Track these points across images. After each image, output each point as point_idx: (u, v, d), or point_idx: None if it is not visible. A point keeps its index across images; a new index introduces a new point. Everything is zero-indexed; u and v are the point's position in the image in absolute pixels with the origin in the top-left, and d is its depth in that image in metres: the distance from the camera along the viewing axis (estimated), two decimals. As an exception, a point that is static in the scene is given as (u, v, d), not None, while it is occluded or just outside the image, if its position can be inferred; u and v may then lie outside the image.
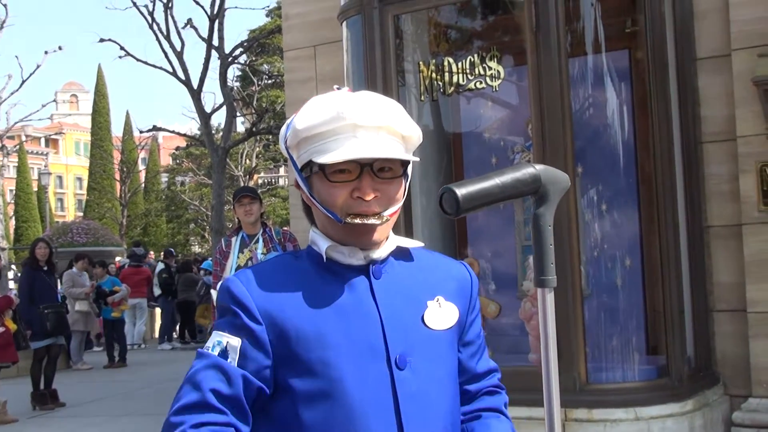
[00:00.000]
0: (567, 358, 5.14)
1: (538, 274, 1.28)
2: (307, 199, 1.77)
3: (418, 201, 6.18)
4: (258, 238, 6.37)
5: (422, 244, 1.83)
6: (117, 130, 53.30)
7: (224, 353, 1.65)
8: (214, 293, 6.35)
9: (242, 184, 33.65)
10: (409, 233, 5.87)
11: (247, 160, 36.12)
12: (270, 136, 27.99)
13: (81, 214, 55.97)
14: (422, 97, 6.22)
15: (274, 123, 23.36)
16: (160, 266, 18.00)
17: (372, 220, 1.67)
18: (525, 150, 6.09)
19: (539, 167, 1.29)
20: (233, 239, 6.48)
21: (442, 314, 1.75)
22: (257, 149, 36.57)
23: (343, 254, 1.72)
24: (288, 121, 1.78)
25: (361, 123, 1.64)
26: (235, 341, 1.65)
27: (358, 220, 1.67)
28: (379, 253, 1.73)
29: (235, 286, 1.70)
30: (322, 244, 1.72)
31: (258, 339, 1.66)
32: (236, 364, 1.64)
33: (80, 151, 75.52)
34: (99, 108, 53.05)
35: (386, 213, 1.68)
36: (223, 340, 1.66)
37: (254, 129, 22.03)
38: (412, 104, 6.34)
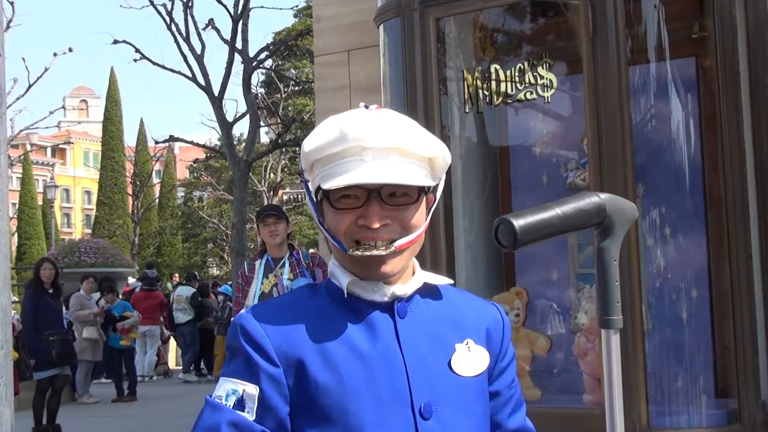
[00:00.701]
0: (627, 400, 5.07)
1: (602, 313, 1.28)
2: (318, 227, 1.79)
3: (461, 223, 6.18)
4: (284, 262, 6.40)
5: (452, 282, 1.83)
6: (130, 140, 53.92)
7: (241, 404, 1.64)
8: (234, 322, 6.39)
9: (266, 201, 33.87)
10: (450, 259, 5.87)
11: (272, 174, 36.31)
12: (297, 148, 28.14)
13: (89, 231, 56.51)
14: (466, 108, 6.22)
15: (302, 134, 23.49)
16: (189, 290, 18.04)
17: (376, 252, 1.67)
18: (579, 167, 6.07)
19: (604, 196, 1.29)
20: (257, 263, 6.52)
21: (471, 359, 1.75)
22: (282, 162, 36.77)
23: (365, 290, 1.73)
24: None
25: (369, 144, 1.65)
26: (253, 389, 1.64)
27: (359, 252, 1.67)
28: (404, 290, 1.74)
29: (249, 324, 1.69)
30: (343, 279, 1.73)
31: (277, 384, 1.65)
32: (255, 417, 1.62)
33: (89, 163, 76.29)
34: (111, 115, 53.64)
35: (397, 243, 1.68)
36: (238, 389, 1.65)
37: (280, 140, 22.13)
38: (454, 115, 6.34)
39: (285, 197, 47.62)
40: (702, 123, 5.81)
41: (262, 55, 20.90)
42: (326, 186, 1.66)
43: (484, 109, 6.27)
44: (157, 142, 26.07)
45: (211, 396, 1.68)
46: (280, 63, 28.40)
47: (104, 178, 50.75)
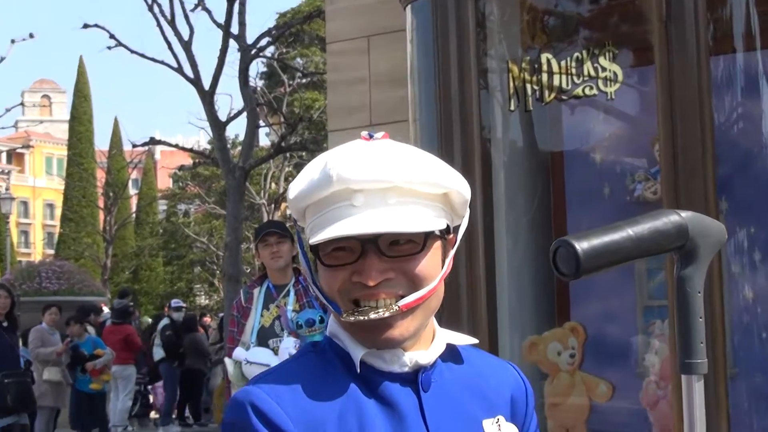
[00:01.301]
0: (705, 462, 5.08)
1: (683, 356, 1.29)
2: (311, 287, 1.82)
3: (504, 244, 6.19)
4: (288, 290, 6.43)
5: (476, 341, 1.84)
6: (102, 143, 54.18)
7: None
8: (228, 362, 6.42)
9: (266, 217, 33.94)
10: (490, 288, 5.88)
11: (273, 185, 36.41)
12: (303, 153, 28.22)
13: (52, 252, 56.82)
14: (511, 105, 6.24)
15: (310, 135, 23.57)
16: (164, 321, 18.14)
17: (374, 315, 1.67)
18: (649, 178, 6.07)
19: (686, 215, 1.31)
20: (255, 291, 6.55)
21: None
22: (286, 170, 36.85)
23: (381, 359, 1.74)
24: None
25: (359, 186, 1.67)
26: None
27: (352, 318, 1.68)
28: (427, 357, 1.75)
29: (263, 404, 1.69)
30: (354, 350, 1.73)
31: None
32: None
33: (52, 170, 76.84)
34: (79, 113, 53.99)
35: (403, 302, 1.69)
36: None
37: (283, 143, 22.20)
38: (496, 114, 6.36)
39: (289, 212, 47.75)
40: (798, 122, 5.82)
41: (263, 42, 20.97)
42: (312, 240, 1.68)
43: (533, 106, 6.28)
44: (134, 146, 26.14)
45: None
46: (284, 51, 28.51)
47: (70, 188, 50.99)
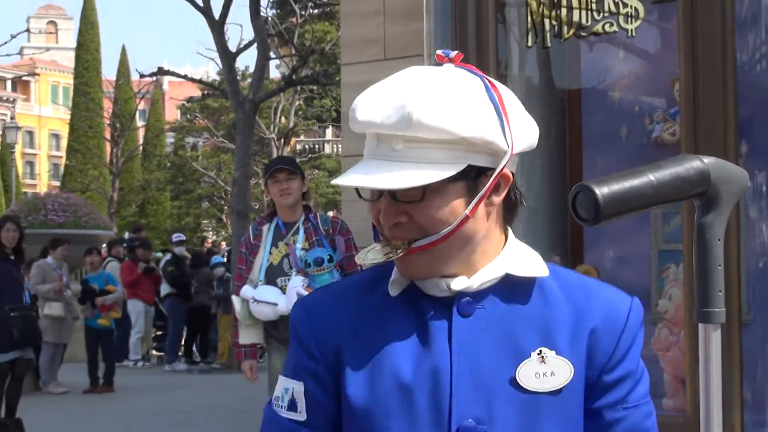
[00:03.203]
0: (718, 408, 5.11)
1: (700, 305, 1.29)
2: None
3: (516, 181, 6.19)
4: (298, 228, 6.43)
5: (547, 273, 1.81)
6: (109, 72, 54.00)
7: (293, 404, 1.82)
8: (236, 300, 6.43)
9: (276, 152, 33.91)
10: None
11: (283, 118, 36.35)
12: (314, 87, 28.14)
13: (57, 183, 56.97)
14: (528, 41, 6.21)
15: (321, 69, 23.45)
16: (166, 257, 18.20)
17: (383, 258, 1.74)
18: (668, 119, 6.06)
19: (708, 160, 1.30)
20: (264, 228, 6.54)
21: (545, 371, 1.74)
22: (297, 103, 36.77)
23: (423, 284, 1.78)
24: None
25: (376, 129, 1.72)
26: (300, 386, 1.81)
27: (367, 263, 1.78)
28: (465, 284, 1.76)
29: (296, 314, 1.87)
30: (395, 269, 1.81)
31: (320, 380, 1.80)
32: (306, 418, 1.80)
33: (58, 99, 76.73)
34: (86, 41, 53.81)
35: (418, 244, 1.72)
36: (290, 387, 1.83)
37: (294, 76, 22.13)
38: (513, 50, 6.34)
39: (299, 147, 47.78)
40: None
41: (275, -30, 20.82)
42: (333, 181, 1.79)
43: (551, 42, 6.25)
44: (142, 76, 26.08)
45: (270, 398, 1.88)
46: (296, -21, 28.31)
47: (76, 118, 50.90)
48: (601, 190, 1.25)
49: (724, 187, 1.30)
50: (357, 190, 1.76)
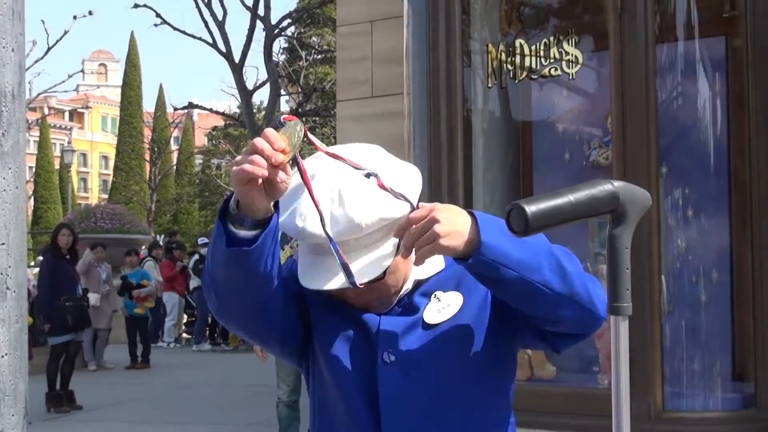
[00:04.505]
0: (642, 382, 5.12)
1: (611, 300, 1.31)
2: None
3: (480, 199, 6.21)
4: (301, 234, 6.45)
5: (441, 268, 1.87)
6: (148, 106, 54.06)
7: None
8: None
9: (284, 170, 33.87)
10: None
11: (291, 144, 36.27)
12: (317, 118, 28.14)
13: (106, 196, 56.84)
14: (489, 82, 6.22)
15: (322, 103, 23.48)
16: (195, 257, 18.26)
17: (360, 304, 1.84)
18: (603, 146, 6.07)
19: (618, 184, 1.32)
20: (274, 234, 6.56)
21: (441, 306, 1.82)
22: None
23: None
24: None
25: (315, 241, 1.72)
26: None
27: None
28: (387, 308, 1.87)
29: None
30: None
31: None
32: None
33: (107, 127, 76.66)
34: (130, 80, 53.79)
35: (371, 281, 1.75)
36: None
37: (300, 109, 22.16)
38: (477, 89, 6.34)
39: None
40: (729, 104, 5.79)
41: (285, 23, 20.88)
42: (302, 283, 1.77)
43: (507, 83, 6.27)
44: (175, 109, 26.19)
45: None
46: (302, 30, 28.31)
47: (122, 143, 50.90)
48: (530, 208, 1.26)
49: (630, 206, 1.31)
50: None
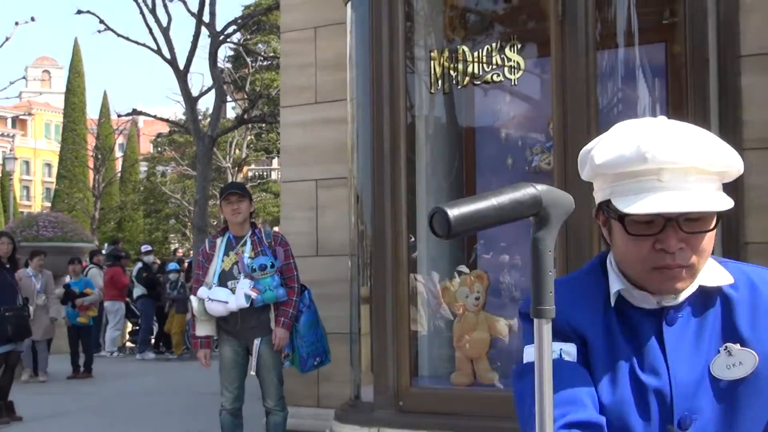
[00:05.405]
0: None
1: (535, 303, 1.32)
2: (606, 238, 1.81)
3: (424, 202, 6.22)
4: (246, 240, 6.41)
5: (731, 281, 1.79)
6: (92, 112, 53.46)
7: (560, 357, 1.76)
8: (193, 299, 6.40)
9: (230, 178, 33.74)
10: (414, 239, 5.90)
11: (237, 151, 36.18)
12: (263, 125, 28.05)
13: (49, 204, 56.04)
14: (432, 88, 6.25)
15: (268, 109, 23.43)
16: (138, 265, 18.11)
17: (675, 272, 1.69)
18: (545, 151, 6.12)
19: (541, 188, 1.32)
20: (218, 240, 6.52)
21: (733, 362, 1.73)
22: (248, 138, 36.65)
23: (634, 298, 1.77)
24: (588, 145, 1.81)
25: (667, 165, 1.63)
26: (569, 346, 1.75)
27: (657, 276, 1.70)
28: (671, 299, 1.75)
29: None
30: (614, 284, 1.77)
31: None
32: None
33: (50, 134, 75.62)
34: (73, 87, 53.22)
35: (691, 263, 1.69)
36: (555, 348, 1.73)
37: (246, 116, 22.06)
38: (422, 95, 6.37)
39: (250, 174, 47.46)
40: (669, 109, 5.87)
41: (230, 29, 20.77)
42: (624, 209, 1.64)
43: (451, 90, 6.30)
44: (120, 115, 25.91)
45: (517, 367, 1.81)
46: (248, 37, 28.24)
47: (65, 150, 50.35)
48: (452, 212, 1.26)
49: (553, 210, 1.32)
50: (623, 222, 1.70)
